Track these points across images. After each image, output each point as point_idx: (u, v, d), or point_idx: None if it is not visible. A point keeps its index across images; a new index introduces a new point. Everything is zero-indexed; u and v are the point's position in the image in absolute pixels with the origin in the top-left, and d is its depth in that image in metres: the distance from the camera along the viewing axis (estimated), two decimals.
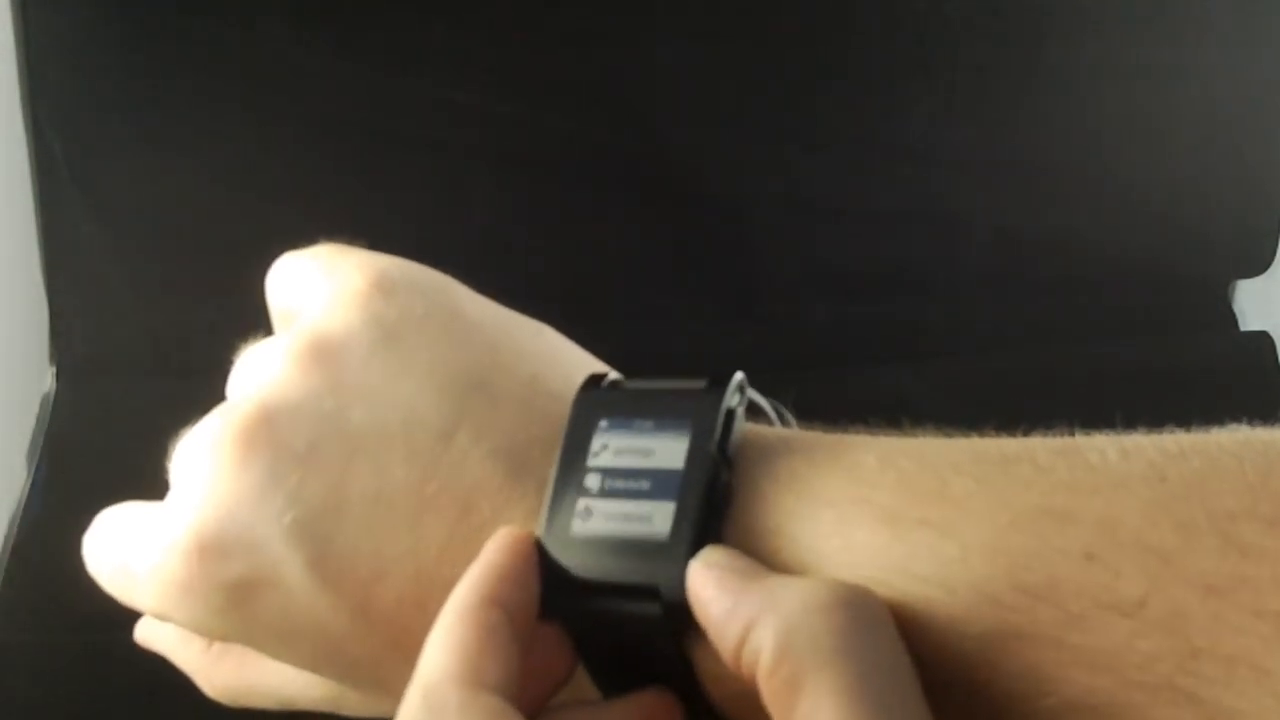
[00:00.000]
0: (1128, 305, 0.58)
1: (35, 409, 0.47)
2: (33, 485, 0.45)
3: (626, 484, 0.25)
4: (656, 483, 0.24)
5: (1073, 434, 0.24)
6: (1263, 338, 0.59)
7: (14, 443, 0.47)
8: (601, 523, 0.24)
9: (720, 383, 0.25)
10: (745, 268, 0.54)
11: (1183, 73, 0.56)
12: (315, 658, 0.27)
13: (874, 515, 0.23)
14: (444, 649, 0.23)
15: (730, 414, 0.25)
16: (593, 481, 0.25)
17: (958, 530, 0.22)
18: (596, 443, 0.25)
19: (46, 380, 0.47)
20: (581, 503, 0.25)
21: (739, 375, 0.26)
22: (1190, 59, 0.56)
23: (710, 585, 0.23)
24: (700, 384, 0.26)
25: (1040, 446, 0.24)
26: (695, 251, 0.53)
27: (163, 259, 0.48)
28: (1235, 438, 0.23)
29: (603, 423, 0.25)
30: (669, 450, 0.25)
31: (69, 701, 0.43)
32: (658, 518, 0.24)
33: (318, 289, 0.29)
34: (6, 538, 0.45)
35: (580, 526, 0.24)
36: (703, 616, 0.23)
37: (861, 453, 0.25)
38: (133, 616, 0.30)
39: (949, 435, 0.26)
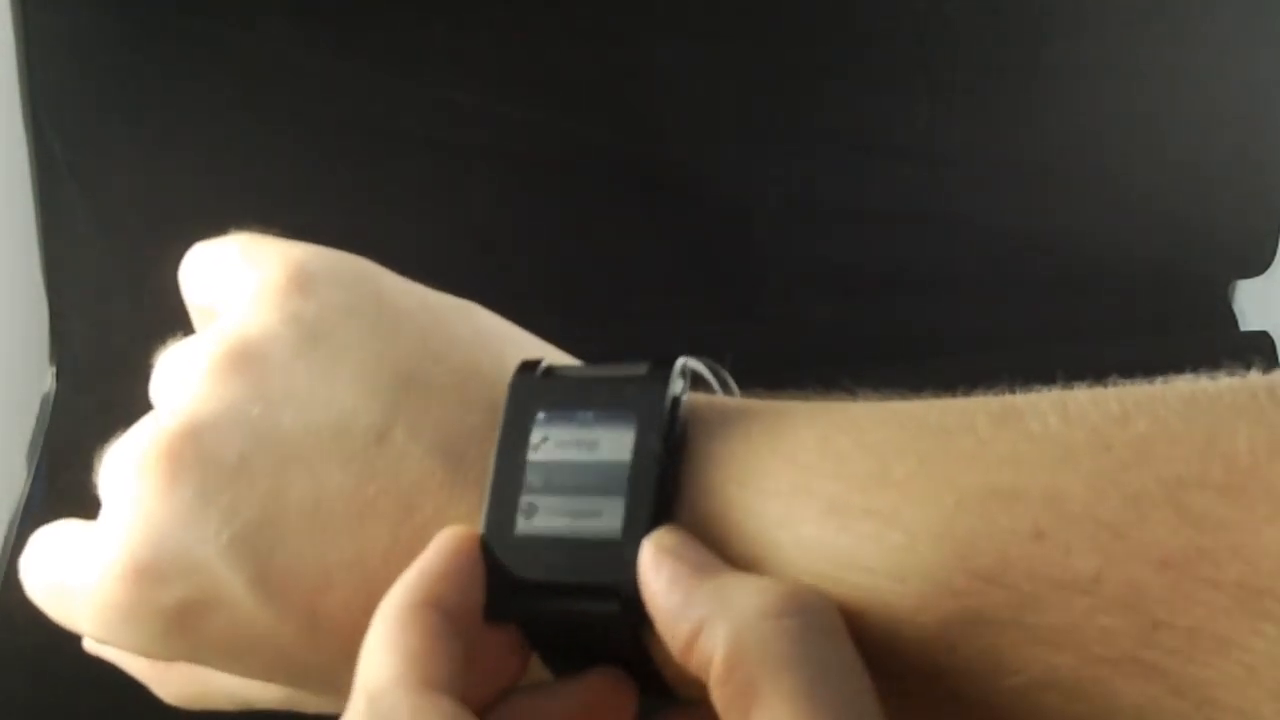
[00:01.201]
0: (1128, 305, 0.58)
1: (35, 409, 0.47)
2: (33, 485, 0.45)
3: (571, 479, 0.24)
4: (602, 477, 0.23)
5: (1012, 391, 0.24)
6: (1263, 338, 0.59)
7: (14, 443, 0.47)
8: (547, 520, 0.24)
9: (662, 366, 0.25)
10: (746, 268, 0.54)
11: (1183, 73, 0.56)
12: (267, 670, 0.26)
13: (819, 507, 0.23)
14: (386, 654, 0.22)
15: (675, 401, 0.24)
16: (535, 477, 0.24)
17: (903, 517, 0.22)
18: (536, 435, 0.24)
19: (46, 380, 0.47)
20: (524, 499, 0.24)
21: (681, 360, 0.25)
22: (1190, 59, 0.56)
23: (662, 577, 0.22)
24: (641, 369, 0.25)
25: (980, 411, 0.23)
26: (696, 251, 0.53)
27: (163, 259, 0.48)
28: (1180, 393, 0.22)
29: (541, 414, 0.24)
30: (613, 442, 0.24)
31: (69, 701, 0.43)
32: (607, 513, 0.23)
33: (234, 286, 0.28)
34: (6, 538, 0.44)
35: (524, 525, 0.24)
36: (652, 607, 0.23)
37: (801, 432, 0.24)
38: None
39: (887, 397, 0.25)
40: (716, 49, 0.51)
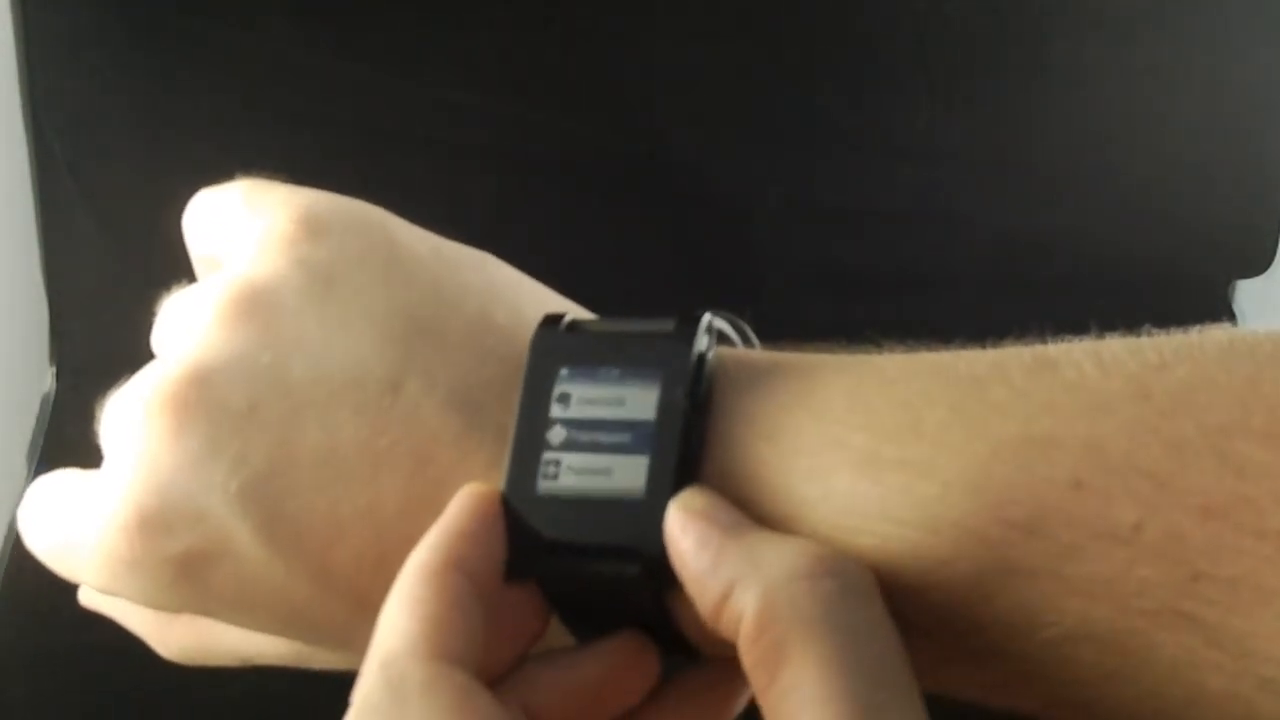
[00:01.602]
0: (1128, 305, 0.58)
1: (35, 409, 0.47)
2: None
3: (594, 436, 0.23)
4: (626, 435, 0.23)
5: (1044, 342, 0.23)
6: None
7: (14, 443, 0.47)
8: (570, 478, 0.23)
9: (689, 322, 0.24)
10: (746, 268, 0.54)
11: (1184, 73, 0.56)
12: (276, 623, 0.26)
13: (850, 460, 0.22)
14: (404, 618, 0.22)
15: (701, 357, 0.24)
16: (557, 435, 0.23)
17: (936, 467, 0.22)
18: (559, 392, 0.24)
19: (46, 380, 0.47)
20: (546, 456, 0.23)
21: (707, 316, 0.24)
22: (1191, 59, 0.56)
23: (690, 537, 0.22)
24: (668, 325, 0.24)
25: (1013, 362, 0.23)
26: (696, 251, 0.53)
27: (163, 259, 0.48)
28: (1218, 342, 0.22)
29: (564, 370, 0.24)
30: (638, 400, 0.23)
31: (69, 702, 0.43)
32: (631, 473, 0.23)
33: (241, 232, 0.27)
34: (7, 538, 0.44)
35: (546, 483, 0.23)
36: (680, 568, 0.22)
37: (829, 385, 0.23)
38: None
39: (914, 350, 0.25)
40: (716, 49, 0.51)
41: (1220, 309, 0.60)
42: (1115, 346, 0.22)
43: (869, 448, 0.22)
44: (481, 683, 0.21)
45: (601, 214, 0.52)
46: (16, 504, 0.45)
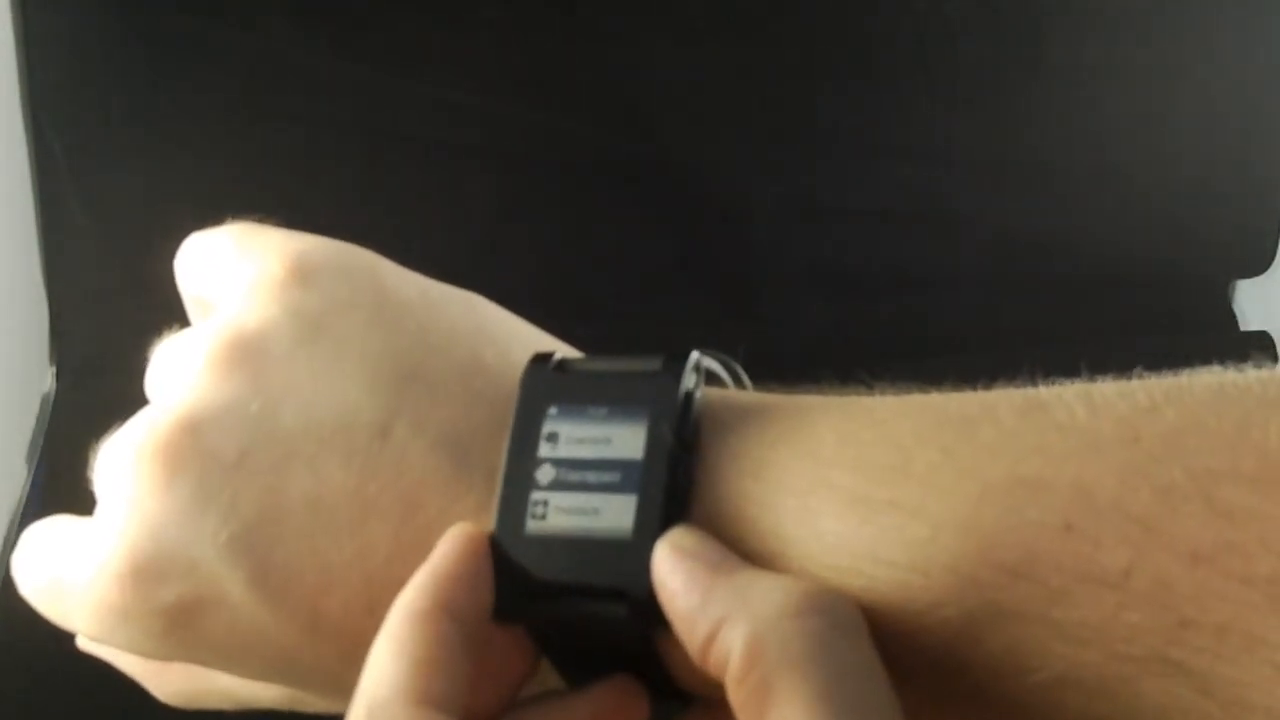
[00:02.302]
0: (1128, 305, 0.58)
1: (35, 409, 0.47)
2: (33, 485, 0.45)
3: (582, 476, 0.23)
4: (614, 475, 0.23)
5: (1035, 384, 0.23)
6: (1263, 338, 0.59)
7: (14, 443, 0.47)
8: (558, 519, 0.23)
9: (676, 361, 0.24)
10: (745, 268, 0.54)
11: (1183, 73, 0.56)
12: (267, 671, 0.26)
13: (838, 499, 0.22)
14: (389, 662, 0.22)
15: (688, 396, 0.24)
16: (545, 474, 0.23)
17: (926, 509, 0.21)
18: (547, 431, 0.24)
19: (46, 380, 0.47)
20: (534, 496, 0.23)
21: (694, 355, 0.24)
22: (1190, 59, 0.56)
23: (679, 576, 0.22)
24: (655, 363, 0.24)
25: (1003, 404, 0.23)
26: (696, 251, 0.53)
27: (163, 259, 0.48)
28: (1208, 385, 0.22)
29: (552, 409, 0.24)
30: (626, 439, 0.23)
31: (68, 701, 0.43)
32: (618, 513, 0.23)
33: (232, 277, 0.27)
34: (6, 538, 0.45)
35: (535, 524, 0.23)
36: (669, 607, 0.22)
37: (818, 425, 0.23)
38: None
39: (904, 391, 0.25)
40: (716, 49, 0.51)
41: (1220, 309, 0.60)
42: (1106, 389, 0.22)
43: (858, 488, 0.22)
44: None
45: (601, 214, 0.52)
46: (16, 503, 0.45)
